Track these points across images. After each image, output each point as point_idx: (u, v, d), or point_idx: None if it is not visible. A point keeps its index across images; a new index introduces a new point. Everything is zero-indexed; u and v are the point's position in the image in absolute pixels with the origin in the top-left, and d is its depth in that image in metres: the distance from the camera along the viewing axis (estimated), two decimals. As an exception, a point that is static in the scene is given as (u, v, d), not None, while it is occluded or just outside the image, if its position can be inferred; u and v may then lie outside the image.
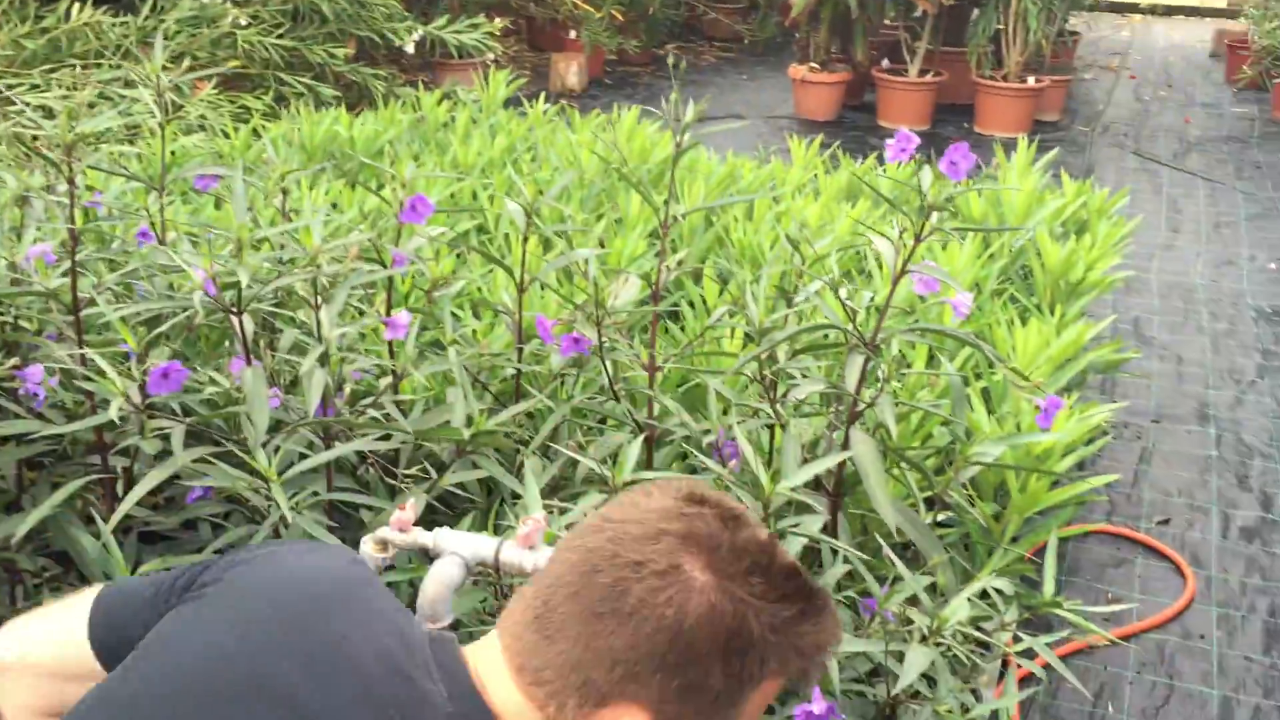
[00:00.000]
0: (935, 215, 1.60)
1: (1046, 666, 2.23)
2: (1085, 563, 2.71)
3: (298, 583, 1.03)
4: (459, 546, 1.32)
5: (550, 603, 0.96)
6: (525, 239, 1.96)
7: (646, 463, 1.91)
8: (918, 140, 1.65)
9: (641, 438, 1.65)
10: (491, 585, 1.50)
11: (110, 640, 1.10)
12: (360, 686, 0.95)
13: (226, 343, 2.12)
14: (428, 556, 1.35)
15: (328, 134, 3.80)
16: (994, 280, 3.00)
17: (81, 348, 1.74)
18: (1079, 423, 2.26)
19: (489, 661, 0.99)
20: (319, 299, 1.73)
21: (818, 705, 1.37)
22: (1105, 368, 3.14)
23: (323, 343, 1.67)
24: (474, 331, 2.26)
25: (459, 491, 1.89)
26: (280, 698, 0.93)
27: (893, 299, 1.65)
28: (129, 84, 4.28)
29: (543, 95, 4.57)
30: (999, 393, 2.45)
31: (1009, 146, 4.03)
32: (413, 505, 1.38)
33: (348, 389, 1.83)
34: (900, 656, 1.42)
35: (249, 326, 1.71)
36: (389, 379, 1.90)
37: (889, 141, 1.67)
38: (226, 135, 3.95)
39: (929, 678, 1.58)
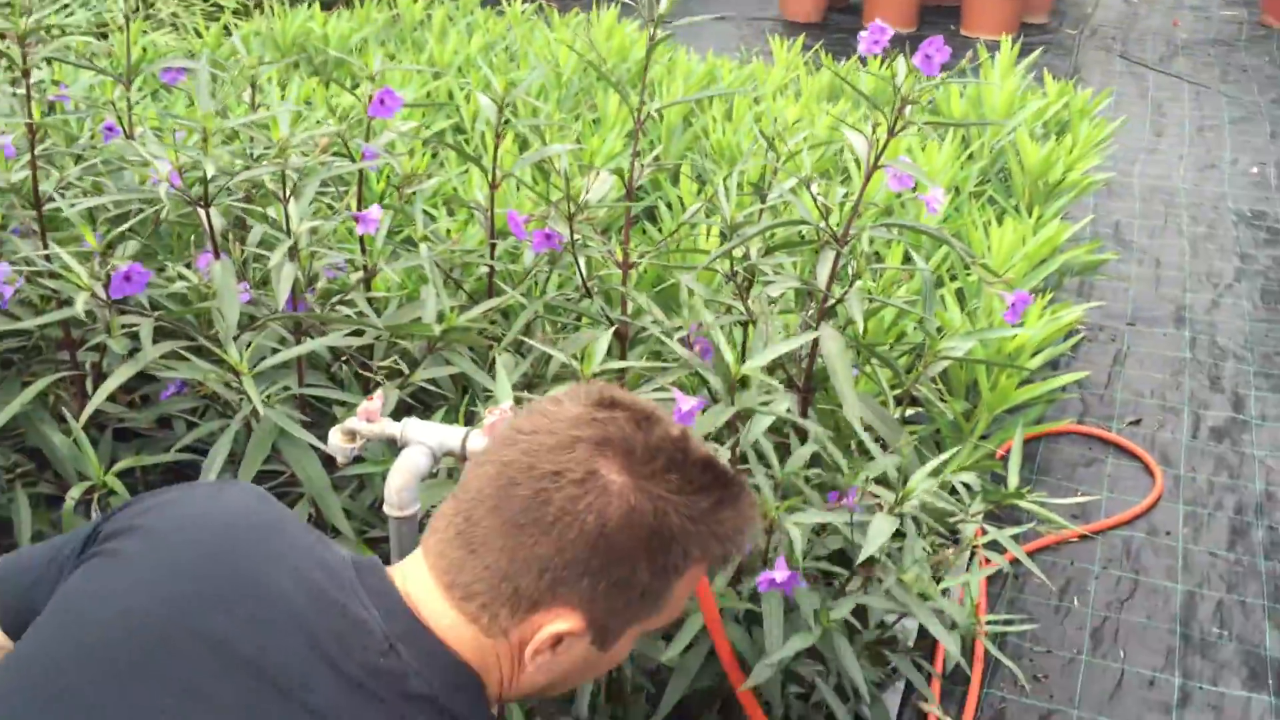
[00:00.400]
0: (910, 109, 1.58)
1: (1014, 561, 2.27)
2: (1056, 462, 2.74)
3: (210, 525, 1.02)
4: (425, 436, 1.32)
5: (472, 518, 0.96)
6: (499, 134, 1.94)
7: (620, 357, 1.91)
8: (891, 32, 1.63)
9: (611, 330, 1.65)
10: (463, 478, 1.50)
11: (7, 603, 1.09)
12: (291, 622, 0.94)
13: (193, 237, 2.11)
14: (395, 447, 1.36)
15: (301, 30, 3.73)
16: (973, 182, 2.99)
17: (45, 245, 1.73)
18: (1050, 322, 2.27)
19: (418, 580, 0.99)
20: (288, 193, 1.71)
21: (780, 573, 1.39)
22: (1082, 269, 3.15)
23: (292, 236, 1.66)
24: (447, 230, 2.24)
25: (432, 388, 1.90)
26: (212, 643, 0.92)
27: (869, 198, 1.64)
28: (97, -20, 4.18)
29: (521, -7, 4.48)
30: (973, 293, 2.46)
31: (995, 49, 3.97)
32: (380, 395, 1.38)
33: (319, 284, 1.82)
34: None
35: (217, 221, 1.69)
36: (360, 275, 1.89)
37: (862, 35, 1.64)
38: (199, 34, 3.87)
39: (895, 560, 1.61)
